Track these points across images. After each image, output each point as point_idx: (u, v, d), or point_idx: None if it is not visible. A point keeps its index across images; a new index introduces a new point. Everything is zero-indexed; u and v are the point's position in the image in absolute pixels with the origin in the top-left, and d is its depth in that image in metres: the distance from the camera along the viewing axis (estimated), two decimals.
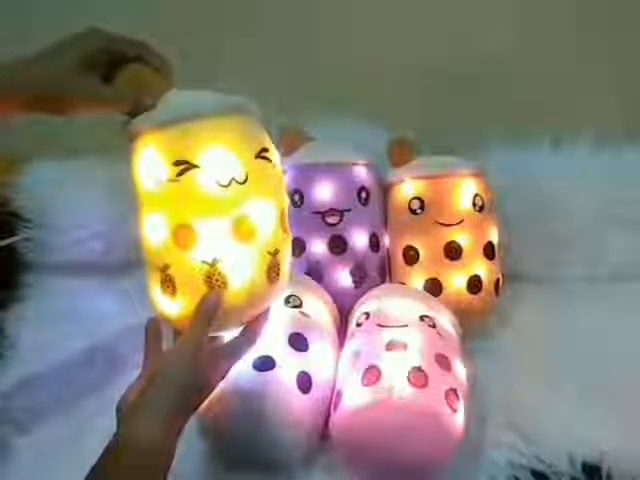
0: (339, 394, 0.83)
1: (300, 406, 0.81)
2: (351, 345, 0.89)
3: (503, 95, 1.25)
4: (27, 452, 0.89)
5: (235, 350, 0.74)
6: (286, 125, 1.08)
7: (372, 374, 0.80)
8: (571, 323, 1.09)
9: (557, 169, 1.18)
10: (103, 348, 1.05)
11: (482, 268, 1.03)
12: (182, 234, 0.68)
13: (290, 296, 0.91)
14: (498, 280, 1.06)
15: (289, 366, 0.83)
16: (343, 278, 1.03)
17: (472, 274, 1.02)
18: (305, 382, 0.83)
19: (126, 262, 1.17)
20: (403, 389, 0.77)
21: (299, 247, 1.02)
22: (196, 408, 0.71)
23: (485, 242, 1.04)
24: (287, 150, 1.05)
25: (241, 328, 0.75)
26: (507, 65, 1.22)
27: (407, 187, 1.05)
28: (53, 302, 1.16)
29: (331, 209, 1.02)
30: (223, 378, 0.74)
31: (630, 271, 1.19)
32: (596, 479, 0.85)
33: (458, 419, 0.80)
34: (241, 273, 0.70)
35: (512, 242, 1.13)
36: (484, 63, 1.22)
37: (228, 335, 0.76)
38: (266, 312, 0.76)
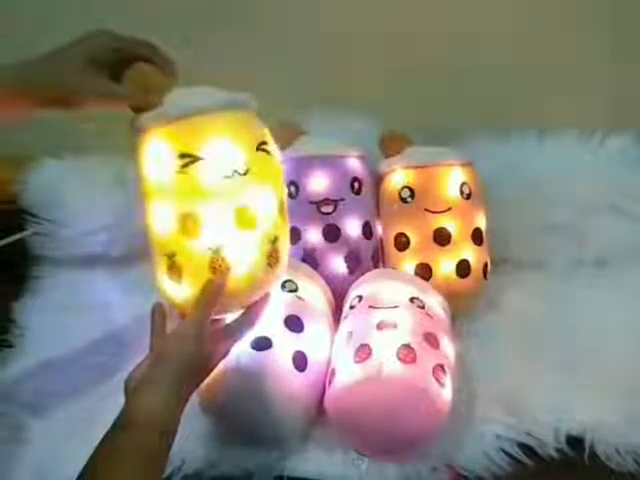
0: (333, 372, 0.86)
1: (296, 383, 0.84)
2: (345, 326, 0.92)
3: (493, 89, 1.25)
4: (41, 434, 0.93)
5: (235, 331, 0.78)
6: (282, 119, 1.11)
7: (363, 352, 0.83)
8: (557, 305, 1.11)
9: (544, 157, 1.20)
10: (111, 335, 1.08)
11: (470, 253, 1.05)
12: (187, 223, 0.71)
13: (286, 281, 0.93)
14: (486, 264, 1.08)
15: (285, 346, 0.86)
16: (338, 265, 1.05)
17: (461, 259, 1.04)
18: (301, 361, 0.86)
19: (130, 253, 1.20)
20: (392, 365, 0.81)
21: (295, 236, 1.03)
22: (197, 385, 0.75)
23: (473, 228, 1.06)
24: (283, 143, 1.07)
25: (242, 311, 0.79)
26: (498, 60, 1.22)
27: (398, 177, 1.07)
28: (62, 293, 1.18)
29: (325, 199, 1.05)
30: (224, 358, 0.78)
31: (614, 255, 1.21)
32: (580, 451, 0.88)
33: (445, 393, 0.83)
34: (243, 259, 0.73)
35: (500, 228, 1.15)
36: (476, 58, 1.22)
37: (229, 317, 0.79)
38: (266, 296, 0.80)
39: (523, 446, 0.90)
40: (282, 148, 1.05)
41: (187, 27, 1.20)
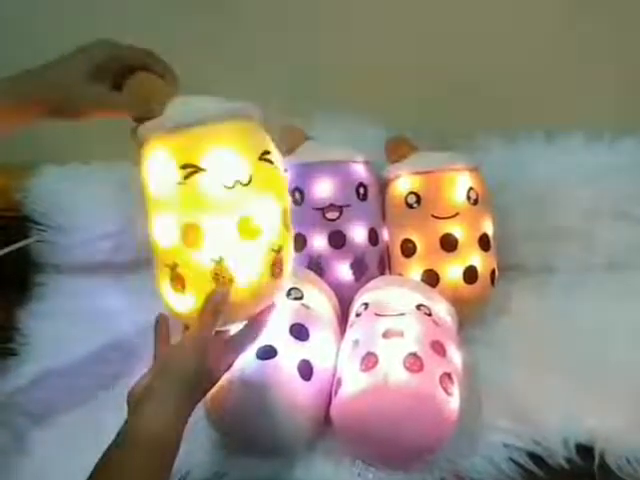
0: (339, 381, 0.86)
1: (302, 392, 0.84)
2: (350, 334, 0.92)
3: (499, 91, 1.24)
4: (42, 444, 0.92)
5: (240, 343, 0.78)
6: (286, 125, 1.10)
7: (369, 360, 0.83)
8: (566, 311, 1.10)
9: (551, 160, 1.19)
10: (115, 344, 1.07)
11: (478, 259, 1.04)
12: (190, 234, 0.70)
13: (292, 289, 0.93)
14: (493, 270, 1.08)
15: (290, 354, 0.85)
16: (343, 271, 1.05)
17: (468, 265, 1.04)
18: (306, 370, 0.85)
19: (135, 261, 1.20)
20: (399, 374, 0.80)
21: (300, 242, 1.03)
22: (200, 399, 0.74)
23: (480, 234, 1.05)
24: (288, 149, 1.07)
25: (246, 322, 0.78)
26: (503, 62, 1.22)
27: (403, 182, 1.07)
28: (66, 300, 1.18)
29: (331, 205, 1.04)
30: (228, 369, 0.77)
31: (623, 260, 1.20)
32: (589, 460, 0.87)
33: (453, 402, 0.82)
34: (246, 270, 0.72)
35: (508, 233, 1.15)
36: (481, 60, 1.22)
37: (233, 328, 0.78)
38: (270, 306, 0.79)
39: (532, 455, 0.89)
40: (286, 154, 1.06)
41: (189, 35, 1.20)
